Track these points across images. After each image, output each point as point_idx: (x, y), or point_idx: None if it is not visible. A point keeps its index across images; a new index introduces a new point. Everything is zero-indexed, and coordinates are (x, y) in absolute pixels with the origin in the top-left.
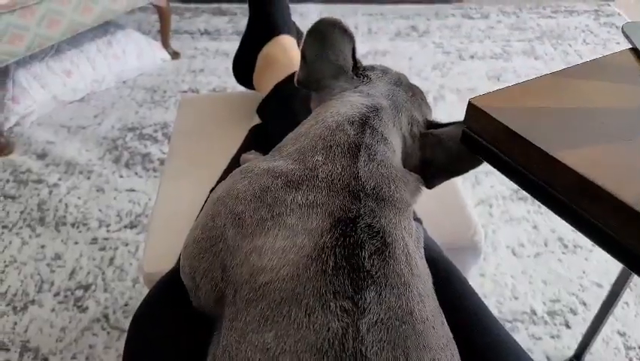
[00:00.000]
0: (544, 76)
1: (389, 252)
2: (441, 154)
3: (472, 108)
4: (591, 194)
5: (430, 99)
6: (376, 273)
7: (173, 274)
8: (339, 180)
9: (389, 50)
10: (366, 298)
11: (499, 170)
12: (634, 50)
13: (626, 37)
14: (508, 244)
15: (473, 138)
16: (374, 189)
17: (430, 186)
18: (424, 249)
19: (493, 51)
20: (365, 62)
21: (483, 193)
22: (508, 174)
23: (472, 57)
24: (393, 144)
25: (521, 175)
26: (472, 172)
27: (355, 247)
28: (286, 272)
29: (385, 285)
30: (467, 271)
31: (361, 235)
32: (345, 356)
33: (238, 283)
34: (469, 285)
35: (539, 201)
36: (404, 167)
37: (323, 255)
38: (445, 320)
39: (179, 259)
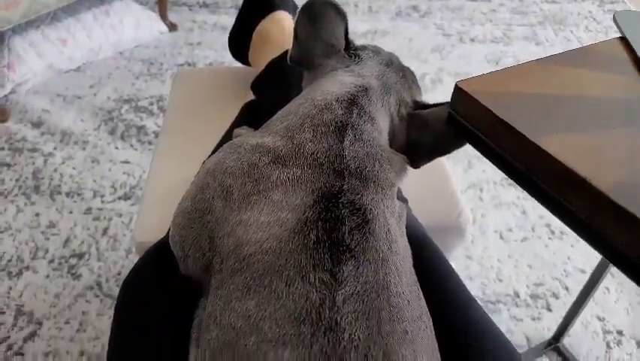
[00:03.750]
0: (532, 61)
1: (369, 228)
2: (426, 135)
3: (458, 91)
4: (570, 182)
5: (427, 82)
6: (355, 248)
7: (163, 243)
8: (324, 158)
9: (389, 30)
10: (344, 272)
11: (482, 153)
12: (623, 39)
13: (617, 25)
14: (496, 228)
15: (458, 121)
16: (358, 167)
17: (415, 165)
18: (407, 228)
19: (494, 35)
20: (365, 41)
21: (474, 177)
22: (491, 157)
23: (472, 40)
24: (380, 125)
25: (503, 160)
26: (464, 156)
27: (336, 222)
28: (269, 245)
29: (363, 260)
30: (451, 252)
31: (343, 211)
32: (321, 324)
33: (224, 253)
34: (449, 264)
35: (520, 186)
36: (391, 147)
37: (305, 229)
38: (421, 295)
39: (169, 230)
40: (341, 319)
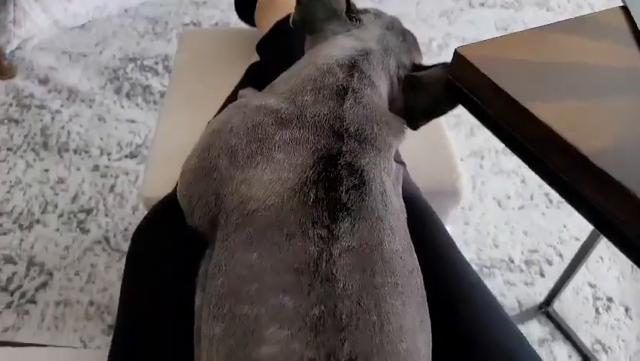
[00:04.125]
0: (531, 29)
1: (366, 188)
2: (422, 96)
3: (457, 57)
4: (556, 145)
5: (434, 47)
6: (352, 206)
7: (171, 197)
8: (325, 121)
9: None
10: (341, 228)
11: (476, 117)
12: (624, 8)
13: None
14: (494, 195)
15: (456, 85)
16: (357, 130)
17: (414, 127)
18: (404, 189)
19: (505, 0)
20: (372, 4)
21: (476, 145)
22: (485, 121)
23: (482, 5)
24: (380, 88)
25: (496, 124)
26: (467, 123)
27: (335, 182)
28: (271, 202)
29: (359, 217)
30: (447, 214)
31: (341, 172)
32: (317, 275)
33: (229, 209)
34: (442, 223)
35: (511, 150)
36: (390, 110)
37: (305, 188)
38: (414, 253)
39: (177, 184)
40: (336, 271)
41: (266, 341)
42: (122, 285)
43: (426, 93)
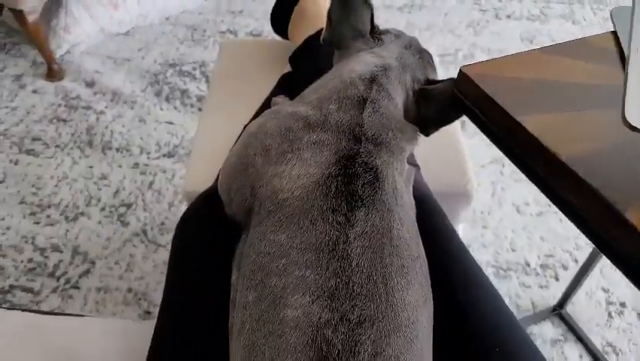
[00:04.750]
0: (532, 50)
1: (379, 184)
2: (432, 106)
3: (462, 75)
4: (541, 153)
5: (460, 57)
6: (366, 198)
7: (212, 190)
8: (346, 126)
9: (426, 4)
10: (357, 216)
11: (477, 126)
12: (614, 32)
13: (612, 20)
14: (514, 201)
15: (460, 99)
16: (374, 135)
17: (426, 134)
18: (415, 189)
19: (531, 12)
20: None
21: (497, 152)
22: (484, 130)
23: (508, 17)
24: (396, 99)
25: (493, 133)
26: None
27: (352, 177)
28: (299, 193)
29: (372, 208)
30: (458, 215)
31: (358, 169)
32: (335, 254)
33: (262, 198)
34: (449, 221)
35: (506, 156)
36: (405, 119)
37: (328, 182)
38: (420, 242)
39: (217, 178)
40: (351, 251)
41: (290, 306)
42: (168, 268)
43: (435, 104)
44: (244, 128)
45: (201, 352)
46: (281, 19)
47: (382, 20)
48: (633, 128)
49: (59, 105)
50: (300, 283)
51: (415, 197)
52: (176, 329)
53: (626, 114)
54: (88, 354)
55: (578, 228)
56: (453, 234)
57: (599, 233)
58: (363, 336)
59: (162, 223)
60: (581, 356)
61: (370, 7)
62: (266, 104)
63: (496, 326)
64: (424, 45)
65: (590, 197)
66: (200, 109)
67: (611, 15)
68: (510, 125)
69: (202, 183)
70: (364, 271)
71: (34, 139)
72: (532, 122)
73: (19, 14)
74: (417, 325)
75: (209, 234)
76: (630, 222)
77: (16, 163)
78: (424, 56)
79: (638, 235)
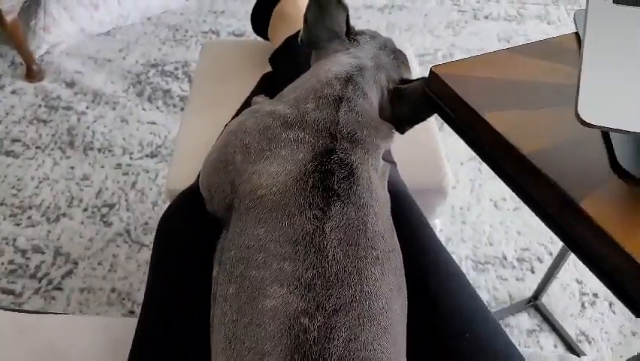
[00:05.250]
0: (500, 51)
1: (354, 179)
2: (405, 105)
3: (432, 75)
4: (504, 148)
5: (439, 57)
6: (342, 193)
7: (193, 188)
8: (323, 124)
9: (406, 5)
10: (332, 210)
11: (447, 123)
12: (577, 34)
13: (575, 22)
14: (491, 197)
15: (431, 97)
16: (349, 133)
17: (401, 131)
18: (389, 183)
19: (508, 13)
20: (381, 15)
21: None
22: (453, 127)
23: (486, 17)
24: (371, 98)
25: (462, 130)
26: None
27: (328, 173)
28: (277, 188)
29: (348, 202)
30: (433, 210)
31: (334, 166)
32: (312, 246)
33: (242, 195)
34: (422, 214)
35: (473, 151)
36: (380, 117)
37: (304, 178)
38: (395, 236)
39: (198, 176)
40: (327, 243)
41: (269, 297)
42: (150, 264)
43: (408, 103)
44: (225, 126)
45: (184, 345)
46: (261, 20)
47: (364, 21)
48: (585, 124)
49: (39, 106)
50: (278, 274)
51: (390, 192)
52: (158, 323)
53: (578, 111)
54: (72, 351)
55: (541, 220)
56: (425, 225)
57: (560, 224)
58: (338, 323)
59: (146, 223)
60: (555, 345)
61: (345, 10)
62: (247, 103)
63: (465, 311)
64: (405, 45)
65: (548, 189)
66: (182, 109)
67: (574, 17)
68: (477, 122)
69: (184, 181)
70: (340, 262)
71: (14, 140)
72: (497, 119)
73: None
74: (390, 313)
75: (190, 230)
76: (585, 212)
77: None
78: (398, 56)
79: (593, 224)
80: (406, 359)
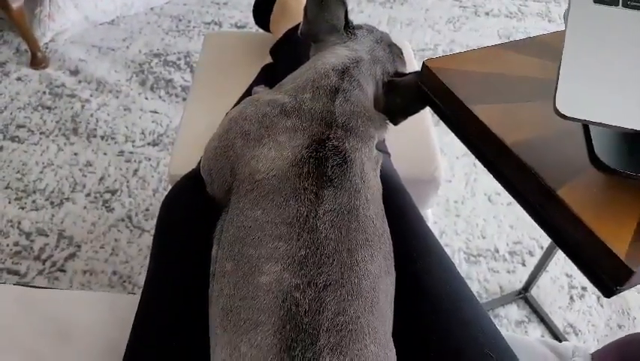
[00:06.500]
0: (491, 46)
1: (347, 166)
2: (398, 97)
3: (425, 68)
4: (489, 139)
5: (439, 52)
6: (335, 179)
7: (193, 173)
8: (319, 113)
9: (407, 0)
10: (325, 195)
11: (440, 118)
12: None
13: (564, 20)
14: (486, 191)
15: (423, 90)
16: (344, 122)
17: (395, 123)
18: (382, 172)
19: (509, 9)
20: (382, 9)
21: None
22: (444, 119)
23: (487, 14)
24: (366, 90)
25: (451, 121)
26: None
27: (323, 159)
28: (274, 173)
29: (340, 188)
30: (426, 200)
31: (328, 152)
32: (305, 227)
33: (241, 179)
34: (414, 204)
35: (462, 143)
36: (375, 108)
37: (300, 163)
38: (385, 220)
39: (200, 161)
40: (320, 225)
41: (264, 273)
42: (152, 243)
43: (402, 95)
44: (226, 115)
45: (184, 320)
46: (263, 12)
47: (365, 15)
48: (562, 116)
49: (44, 93)
50: (273, 253)
51: (383, 180)
52: (160, 299)
53: (556, 104)
54: (76, 325)
55: (522, 207)
56: (415, 213)
57: (539, 212)
58: (328, 298)
59: (147, 209)
60: (543, 336)
61: (344, 4)
62: (247, 93)
63: (452, 293)
64: (405, 40)
65: (529, 178)
66: (184, 99)
67: (564, 15)
68: (465, 114)
69: (186, 168)
70: (331, 243)
71: (19, 126)
72: (484, 111)
73: (2, 1)
74: (377, 292)
75: (192, 211)
76: (562, 200)
77: (0, 149)
78: (393, 50)
79: (569, 211)
80: (392, 336)
